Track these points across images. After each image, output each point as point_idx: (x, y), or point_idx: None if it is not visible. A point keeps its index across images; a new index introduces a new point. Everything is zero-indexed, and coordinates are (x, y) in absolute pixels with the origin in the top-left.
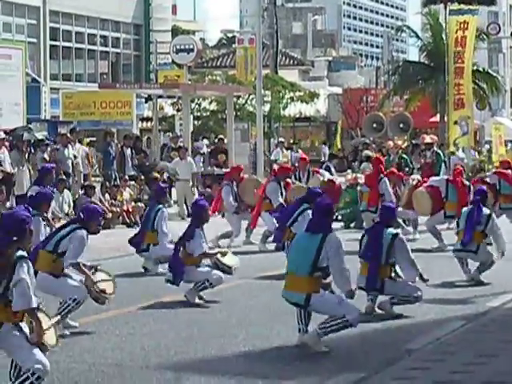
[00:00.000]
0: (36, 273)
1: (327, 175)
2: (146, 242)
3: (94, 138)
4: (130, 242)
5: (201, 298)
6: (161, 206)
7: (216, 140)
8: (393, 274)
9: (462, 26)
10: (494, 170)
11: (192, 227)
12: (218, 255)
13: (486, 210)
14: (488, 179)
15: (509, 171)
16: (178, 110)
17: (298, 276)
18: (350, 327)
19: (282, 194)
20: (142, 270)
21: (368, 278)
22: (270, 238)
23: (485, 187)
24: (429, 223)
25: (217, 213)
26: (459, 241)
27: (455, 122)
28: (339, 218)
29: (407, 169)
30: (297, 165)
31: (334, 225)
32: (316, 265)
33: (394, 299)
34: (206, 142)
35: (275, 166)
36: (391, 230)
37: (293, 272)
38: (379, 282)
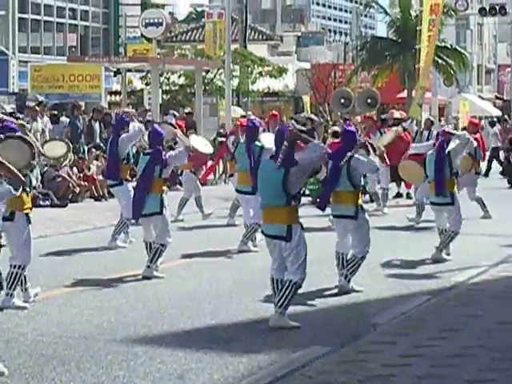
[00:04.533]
0: None
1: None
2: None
3: (56, 112)
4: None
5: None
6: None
7: (185, 114)
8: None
9: None
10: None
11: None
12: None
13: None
14: None
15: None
16: (147, 84)
17: (275, 207)
18: (299, 288)
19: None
20: (109, 245)
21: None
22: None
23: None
24: (419, 195)
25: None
26: (433, 193)
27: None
28: (307, 192)
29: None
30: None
31: (302, 200)
32: (289, 195)
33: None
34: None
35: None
36: (350, 153)
37: (269, 205)
38: (352, 209)
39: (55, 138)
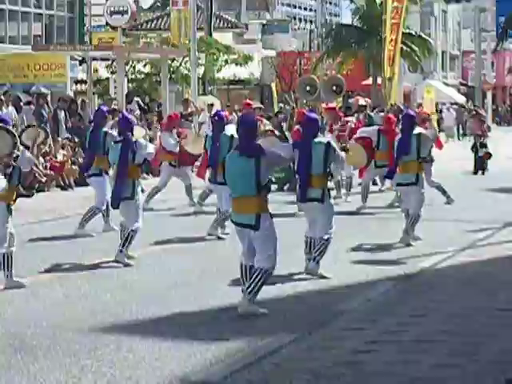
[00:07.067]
0: None
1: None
2: (97, 166)
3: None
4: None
5: (130, 257)
6: (105, 129)
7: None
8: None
9: None
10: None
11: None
12: None
13: (414, 132)
14: None
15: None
16: (113, 73)
17: (245, 198)
18: (270, 276)
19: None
20: (76, 232)
21: (300, 189)
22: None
23: (412, 112)
24: (366, 178)
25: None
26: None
27: (389, 79)
28: (273, 180)
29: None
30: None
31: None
32: (260, 185)
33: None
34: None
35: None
36: (320, 140)
37: (239, 195)
38: (319, 192)
39: (32, 125)
